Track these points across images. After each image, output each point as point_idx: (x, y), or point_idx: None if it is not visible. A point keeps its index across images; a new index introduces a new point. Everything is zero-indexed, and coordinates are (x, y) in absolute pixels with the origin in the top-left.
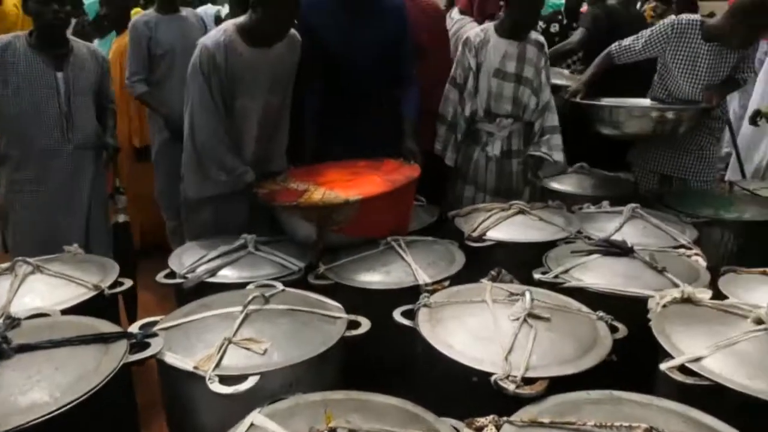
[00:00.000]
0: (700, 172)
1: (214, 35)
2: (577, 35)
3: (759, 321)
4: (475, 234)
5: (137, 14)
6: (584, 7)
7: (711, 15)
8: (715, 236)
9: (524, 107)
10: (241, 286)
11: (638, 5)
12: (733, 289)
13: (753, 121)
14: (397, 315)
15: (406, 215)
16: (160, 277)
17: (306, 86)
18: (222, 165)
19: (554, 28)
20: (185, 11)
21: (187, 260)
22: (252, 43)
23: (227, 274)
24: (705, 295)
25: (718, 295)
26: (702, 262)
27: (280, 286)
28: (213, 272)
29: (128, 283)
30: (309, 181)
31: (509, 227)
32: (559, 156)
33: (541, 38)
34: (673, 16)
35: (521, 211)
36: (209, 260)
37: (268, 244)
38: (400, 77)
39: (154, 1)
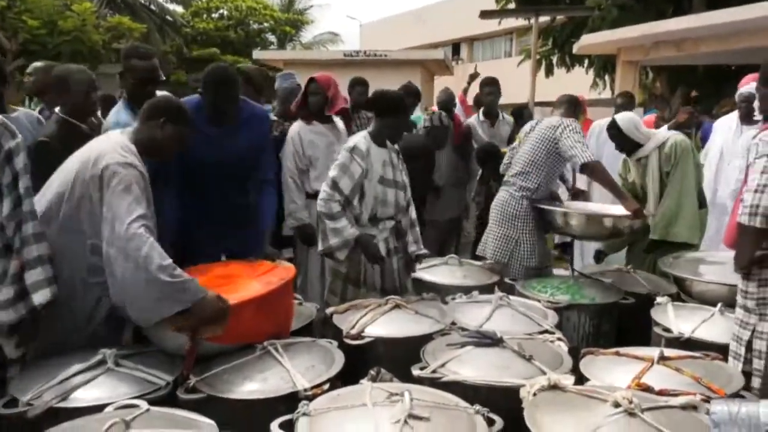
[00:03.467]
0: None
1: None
2: None
3: (616, 404)
4: (353, 331)
5: None
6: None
7: None
8: (573, 319)
9: (400, 209)
10: (99, 409)
11: None
12: (592, 370)
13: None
14: (274, 427)
15: (286, 318)
16: None
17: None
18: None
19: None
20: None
21: (33, 384)
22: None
23: (82, 397)
24: (569, 381)
25: (580, 377)
26: (564, 347)
27: (144, 405)
28: (64, 396)
29: None
30: None
31: (387, 322)
32: (423, 248)
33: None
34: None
35: (397, 306)
36: (60, 382)
37: (130, 357)
38: (259, 181)
39: None
